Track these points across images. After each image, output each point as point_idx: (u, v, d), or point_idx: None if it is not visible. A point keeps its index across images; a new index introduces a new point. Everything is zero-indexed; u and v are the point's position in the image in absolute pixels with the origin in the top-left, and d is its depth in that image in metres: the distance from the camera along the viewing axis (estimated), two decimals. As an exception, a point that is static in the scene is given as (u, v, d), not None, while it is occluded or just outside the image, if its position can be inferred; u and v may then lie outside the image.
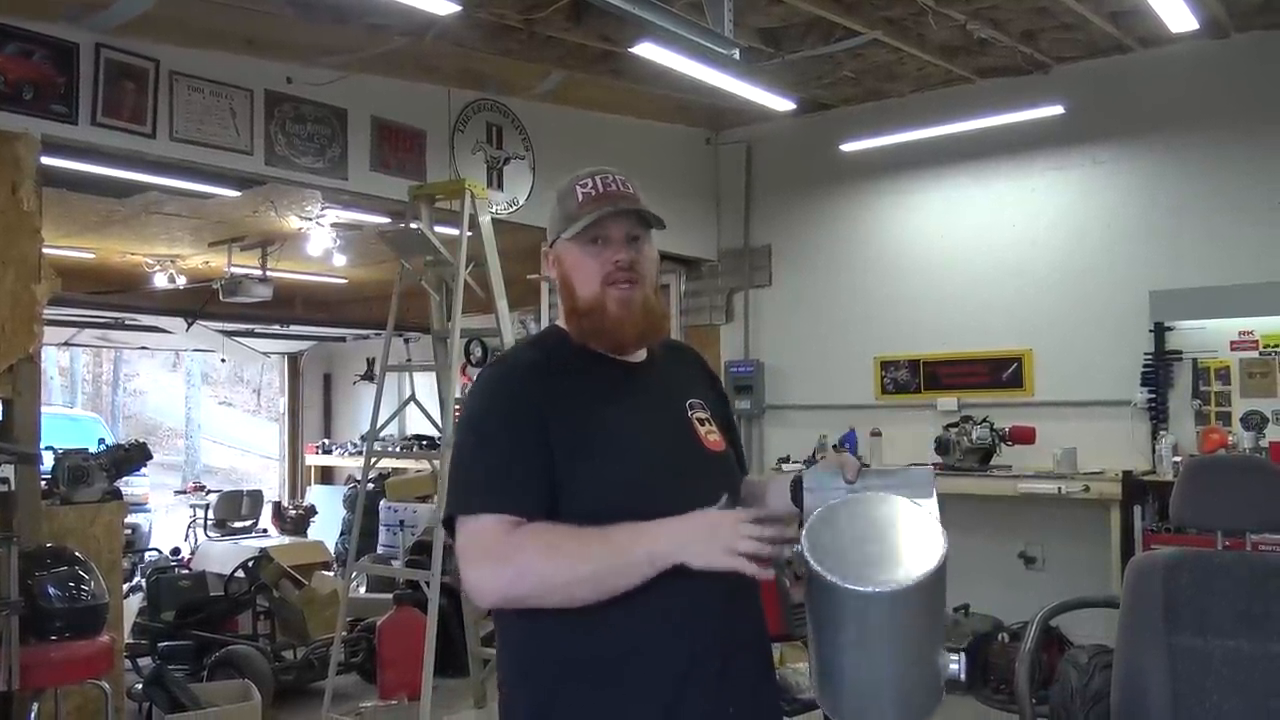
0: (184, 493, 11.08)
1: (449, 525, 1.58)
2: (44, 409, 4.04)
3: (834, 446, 6.41)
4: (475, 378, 1.72)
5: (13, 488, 3.75)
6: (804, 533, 1.47)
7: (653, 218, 1.67)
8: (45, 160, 4.10)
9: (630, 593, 1.49)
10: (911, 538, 1.46)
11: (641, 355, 1.72)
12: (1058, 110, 5.75)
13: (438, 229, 4.82)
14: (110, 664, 3.61)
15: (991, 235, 6.19)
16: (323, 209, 6.97)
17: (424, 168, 5.37)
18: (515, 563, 1.49)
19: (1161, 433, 5.40)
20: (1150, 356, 5.53)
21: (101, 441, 4.46)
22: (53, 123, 4.03)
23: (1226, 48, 5.43)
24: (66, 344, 11.40)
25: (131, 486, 9.70)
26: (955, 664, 1.52)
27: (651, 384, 1.70)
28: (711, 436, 1.70)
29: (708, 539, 1.44)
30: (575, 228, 1.63)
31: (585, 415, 1.59)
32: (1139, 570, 2.54)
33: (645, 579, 1.47)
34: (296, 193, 6.33)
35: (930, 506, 1.53)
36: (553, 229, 1.70)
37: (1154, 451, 5.39)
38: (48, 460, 4.29)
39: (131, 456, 4.41)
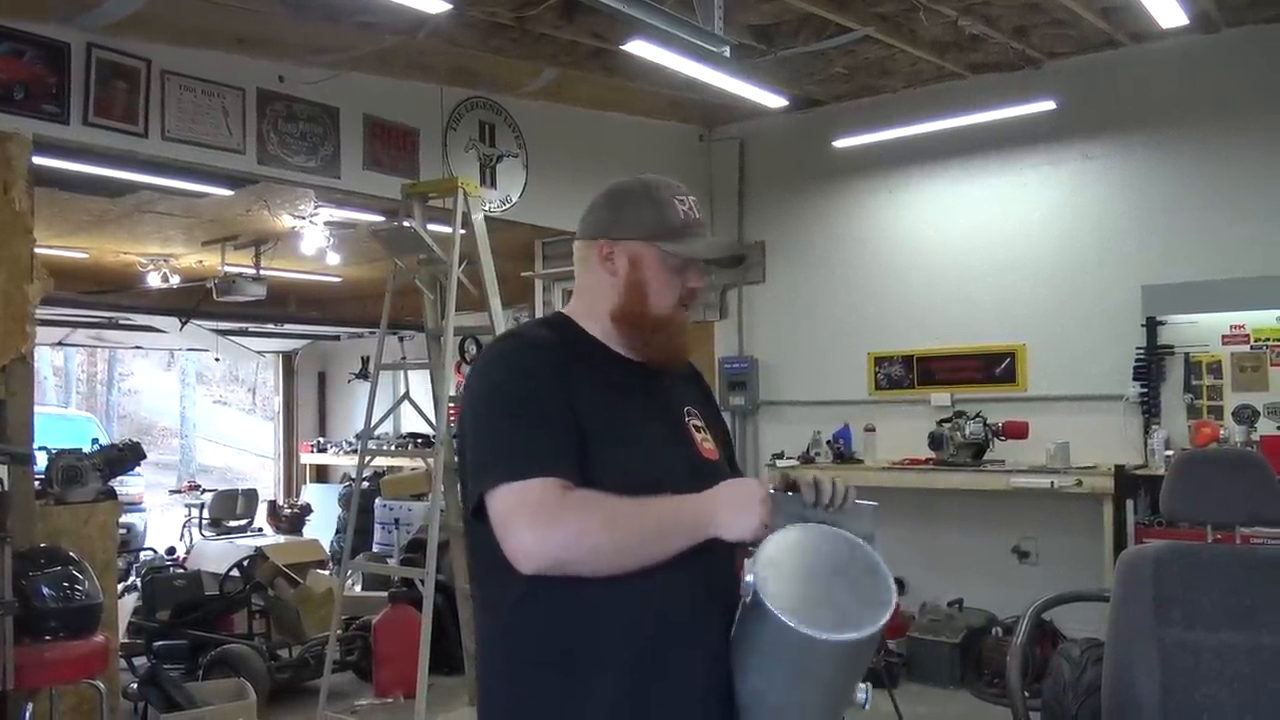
0: (179, 492, 11.06)
1: (479, 505, 1.52)
2: (38, 409, 4.04)
3: (828, 442, 6.42)
4: (485, 350, 1.68)
5: (6, 488, 3.75)
6: (756, 563, 1.44)
7: (743, 262, 1.75)
8: (37, 160, 4.10)
9: (610, 593, 1.49)
10: (865, 585, 1.46)
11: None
12: (1049, 106, 5.76)
13: (431, 227, 4.83)
14: (104, 664, 3.61)
15: (984, 231, 6.20)
16: (316, 207, 6.97)
17: (417, 166, 5.38)
18: (571, 525, 1.45)
19: (1154, 427, 5.42)
20: (1142, 351, 5.55)
21: (95, 441, 4.44)
22: (44, 122, 4.03)
23: (1217, 43, 5.44)
24: (60, 344, 11.39)
25: (126, 486, 9.69)
26: (862, 692, 1.55)
27: (654, 388, 1.70)
28: (706, 445, 1.71)
29: (740, 511, 1.47)
30: (686, 249, 1.65)
31: (603, 404, 1.58)
32: (1129, 564, 2.55)
33: (680, 550, 1.48)
34: (290, 191, 6.34)
35: (875, 538, 1.54)
36: (642, 227, 1.66)
37: (1146, 446, 5.41)
38: (41, 460, 4.29)
39: (125, 456, 4.41)
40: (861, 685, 1.53)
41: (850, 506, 1.58)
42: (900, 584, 6.33)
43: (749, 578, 1.43)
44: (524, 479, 1.47)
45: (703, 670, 1.57)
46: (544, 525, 1.45)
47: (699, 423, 1.73)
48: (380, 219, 6.62)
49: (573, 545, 1.45)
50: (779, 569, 1.44)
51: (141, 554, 8.81)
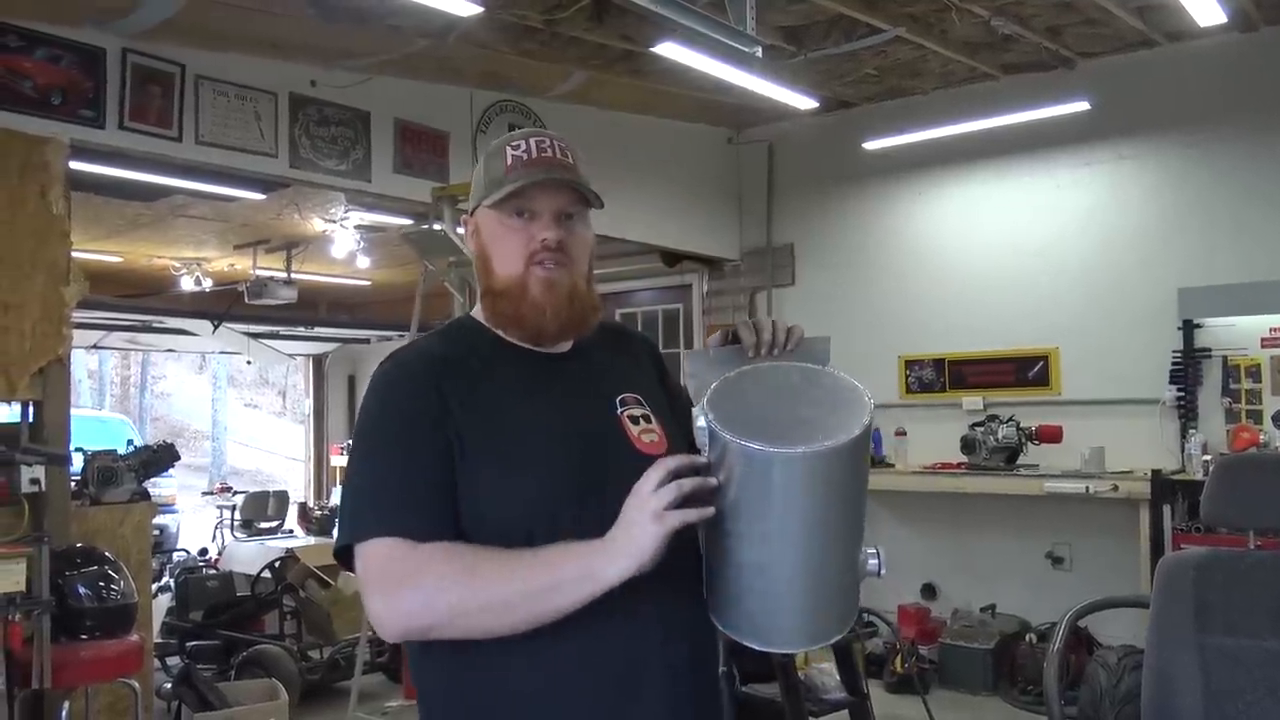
0: (211, 494, 11.17)
1: (343, 556, 1.37)
2: (74, 411, 4.08)
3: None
4: (371, 376, 1.50)
5: (44, 488, 3.79)
6: (705, 402, 1.27)
7: (590, 193, 1.45)
8: (74, 165, 4.14)
9: (556, 636, 1.30)
10: (830, 398, 1.30)
11: (565, 346, 1.50)
12: (1083, 106, 5.69)
13: (461, 230, 4.84)
14: (139, 663, 3.64)
15: (1017, 233, 6.14)
16: (346, 211, 7.02)
17: (447, 169, 5.39)
18: (422, 587, 1.28)
19: (1190, 431, 5.33)
20: (1179, 354, 5.47)
21: (130, 443, 4.48)
22: (81, 127, 4.07)
23: (1254, 41, 5.36)
24: (95, 346, 11.53)
25: (159, 488, 9.79)
26: (874, 559, 1.35)
27: (575, 378, 1.47)
28: (648, 437, 1.45)
29: (629, 528, 1.23)
30: (498, 194, 1.42)
31: (490, 416, 1.38)
32: (1169, 570, 2.51)
33: (584, 602, 1.25)
34: (320, 195, 6.39)
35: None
36: (475, 194, 1.49)
37: (1183, 450, 5.33)
38: (77, 462, 4.33)
39: (160, 458, 4.44)
40: (871, 550, 1.35)
41: (797, 348, 1.44)
42: (932, 589, 6.30)
43: (699, 423, 1.26)
44: (367, 539, 1.32)
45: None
46: (391, 590, 1.29)
47: (639, 410, 1.47)
48: (410, 222, 6.65)
49: (426, 609, 1.28)
50: (731, 406, 1.26)
51: (174, 555, 8.91)
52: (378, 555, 1.31)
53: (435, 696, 1.43)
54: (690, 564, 1.40)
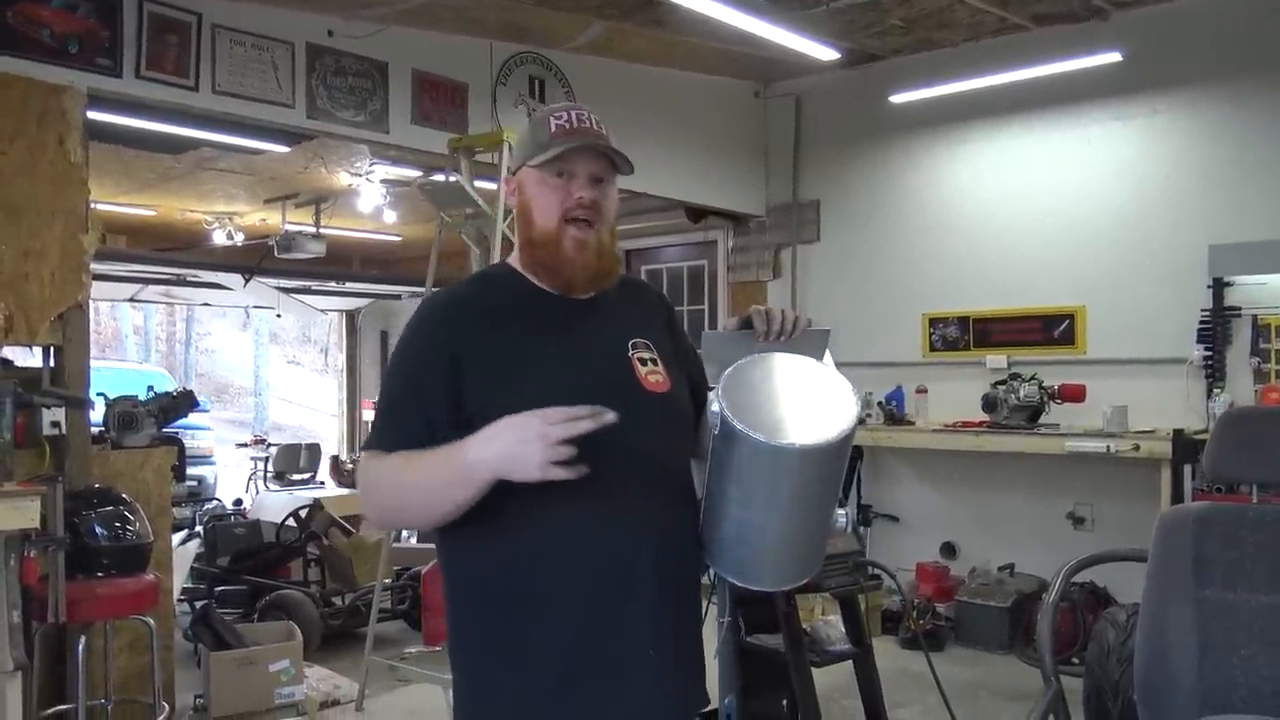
0: (246, 446, 11.38)
1: None
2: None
3: (879, 404, 6.31)
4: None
5: (63, 431, 3.88)
6: (719, 390, 1.50)
7: (621, 160, 1.67)
8: (92, 115, 4.17)
9: (545, 532, 1.54)
10: (824, 396, 1.55)
11: (589, 293, 1.70)
12: (1115, 58, 5.54)
13: (480, 184, 4.83)
14: (155, 600, 3.72)
15: (1046, 188, 6.01)
16: (371, 164, 7.04)
17: (466, 121, 5.38)
18: (364, 490, 1.64)
19: (1216, 391, 5.23)
20: (1208, 313, 5.35)
21: (150, 389, 4.56)
22: (98, 76, 4.10)
23: (1297, -11, 5.18)
24: (132, 300, 11.71)
25: (196, 440, 10.02)
26: (843, 518, 1.65)
27: (593, 323, 1.67)
28: (654, 377, 1.65)
29: (517, 450, 1.43)
30: (543, 156, 1.63)
31: (511, 353, 1.59)
32: (1168, 524, 2.49)
33: (477, 493, 1.48)
34: (345, 148, 6.41)
35: (828, 362, 1.65)
36: (519, 155, 1.70)
37: (1208, 410, 5.23)
38: (100, 408, 4.41)
39: (178, 404, 4.52)
40: (840, 512, 1.64)
41: (801, 335, 1.68)
42: (952, 548, 6.27)
43: (714, 408, 1.48)
44: (366, 450, 1.63)
45: (646, 622, 1.59)
46: (362, 495, 1.68)
47: (647, 354, 1.68)
48: (438, 176, 6.65)
49: (368, 510, 1.70)
50: (740, 395, 1.50)
51: (208, 504, 9.10)
52: (362, 466, 1.64)
53: (459, 576, 1.66)
54: (685, 484, 1.69)
